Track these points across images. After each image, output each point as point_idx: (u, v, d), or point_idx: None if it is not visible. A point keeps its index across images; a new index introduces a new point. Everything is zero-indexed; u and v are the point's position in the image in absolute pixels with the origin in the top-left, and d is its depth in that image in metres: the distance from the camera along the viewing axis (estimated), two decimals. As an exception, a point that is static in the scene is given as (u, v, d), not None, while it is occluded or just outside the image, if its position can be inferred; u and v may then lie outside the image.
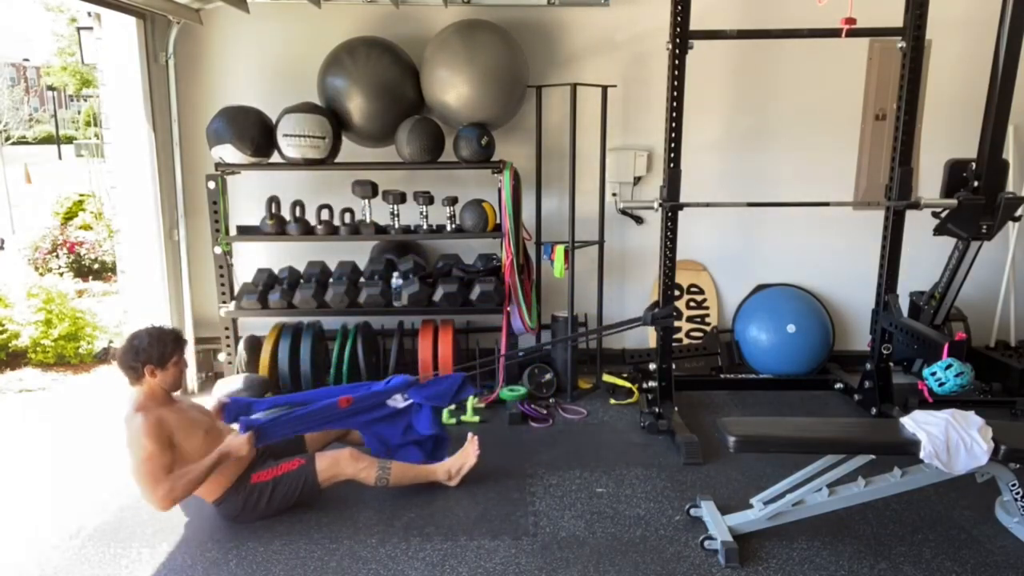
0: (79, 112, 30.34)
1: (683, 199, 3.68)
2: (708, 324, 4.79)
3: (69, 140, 26.86)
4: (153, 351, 2.76)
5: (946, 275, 4.01)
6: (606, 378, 4.35)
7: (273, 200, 4.14)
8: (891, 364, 3.96)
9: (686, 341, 4.78)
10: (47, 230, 7.82)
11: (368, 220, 4.18)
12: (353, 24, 4.33)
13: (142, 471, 2.65)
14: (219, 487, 2.84)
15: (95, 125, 22.48)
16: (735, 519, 2.78)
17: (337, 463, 2.97)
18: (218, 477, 2.81)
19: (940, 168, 3.83)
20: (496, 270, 4.27)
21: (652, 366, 3.93)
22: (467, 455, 3.21)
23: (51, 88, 31.22)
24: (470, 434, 3.28)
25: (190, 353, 4.38)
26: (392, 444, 3.25)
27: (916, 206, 3.69)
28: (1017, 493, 2.72)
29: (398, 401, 3.24)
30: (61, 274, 7.06)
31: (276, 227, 4.15)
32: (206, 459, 2.73)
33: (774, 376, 4.55)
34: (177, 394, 2.95)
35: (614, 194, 4.53)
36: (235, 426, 2.93)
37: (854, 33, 3.34)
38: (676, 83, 3.59)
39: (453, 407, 3.90)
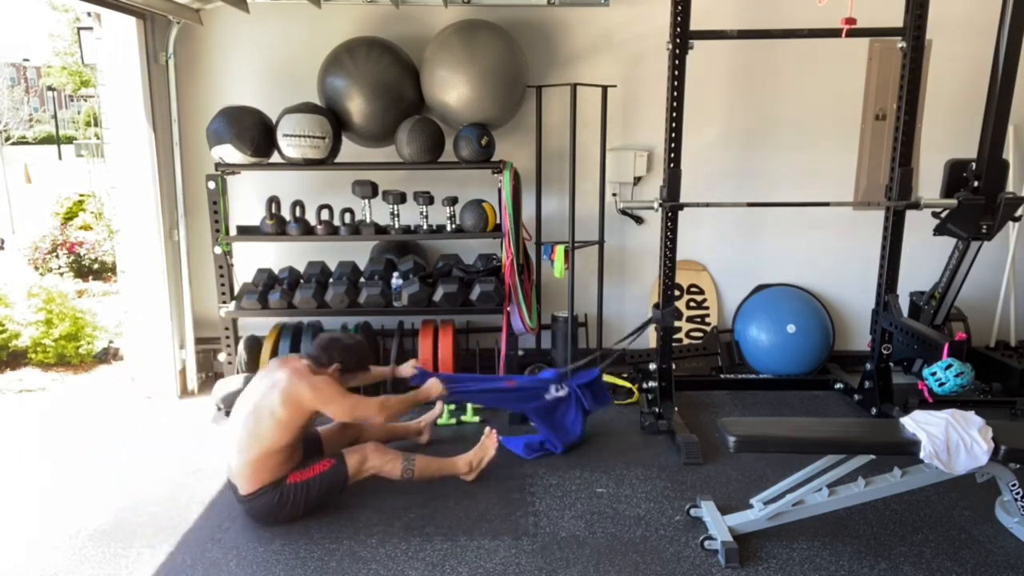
0: (79, 112, 30.34)
1: (683, 199, 3.68)
2: (708, 324, 4.79)
3: (69, 140, 26.86)
4: (352, 361, 3.01)
5: (946, 275, 4.01)
6: (606, 378, 4.33)
7: (273, 200, 4.14)
8: (891, 364, 3.96)
9: (686, 341, 4.78)
10: (47, 230, 7.82)
11: (368, 220, 4.18)
12: (353, 24, 4.33)
13: (349, 402, 2.92)
14: (260, 479, 2.83)
15: (95, 125, 22.49)
16: (735, 519, 2.78)
17: (365, 458, 3.02)
18: (262, 471, 2.82)
19: (940, 168, 3.83)
20: (496, 270, 4.27)
21: (652, 366, 3.93)
22: (486, 448, 3.27)
23: (51, 88, 31.20)
24: (488, 428, 3.34)
25: (190, 354, 4.39)
26: (563, 424, 3.56)
27: (916, 206, 3.69)
28: (1017, 493, 2.72)
29: (553, 392, 3.55)
30: (61, 274, 7.07)
31: (276, 227, 4.15)
32: (409, 394, 3.18)
33: (774, 376, 4.55)
34: None
35: (614, 194, 4.53)
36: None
37: (854, 33, 3.34)
38: (676, 83, 3.59)
39: (454, 407, 3.94)
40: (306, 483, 2.90)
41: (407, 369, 3.47)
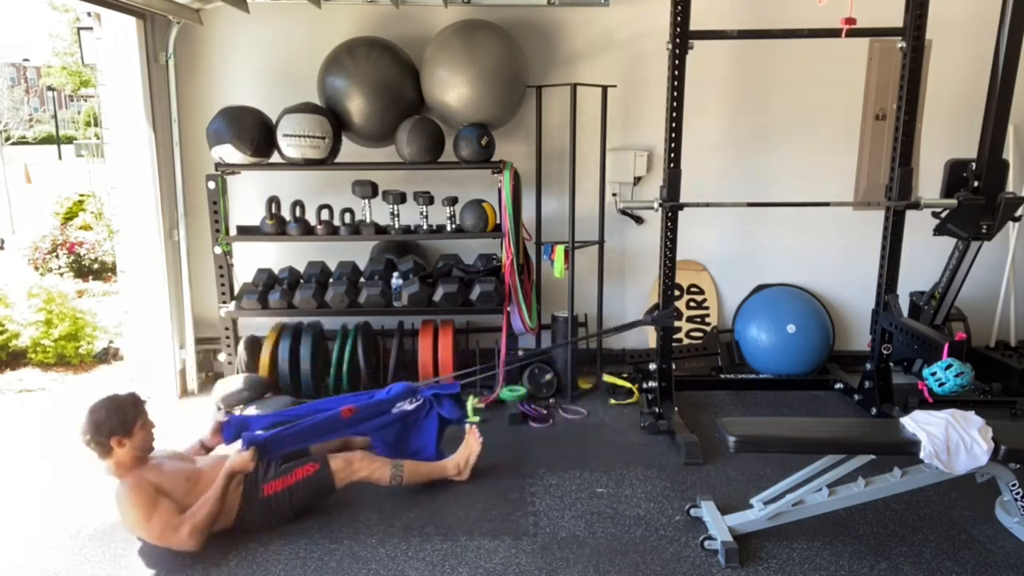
0: (79, 112, 30.34)
1: (683, 199, 3.68)
2: (708, 324, 4.79)
3: (69, 140, 26.86)
4: (114, 421, 2.66)
5: (946, 275, 4.01)
6: (606, 378, 4.35)
7: (273, 200, 4.14)
8: (891, 364, 3.96)
9: (686, 341, 4.78)
10: (47, 230, 7.82)
11: (368, 220, 4.18)
12: (353, 24, 4.33)
13: (155, 531, 2.62)
14: (230, 510, 2.79)
15: (95, 125, 22.48)
16: (735, 519, 2.78)
17: (351, 465, 2.97)
18: (215, 521, 2.75)
19: (940, 168, 3.83)
20: (496, 270, 4.27)
21: (652, 366, 3.93)
22: (471, 447, 3.23)
23: (51, 88, 31.21)
24: (467, 425, 3.31)
25: (190, 354, 4.39)
26: (407, 449, 3.22)
27: (916, 206, 3.68)
28: (1017, 493, 2.72)
29: (405, 405, 3.23)
30: (61, 274, 7.07)
31: (276, 227, 4.15)
32: (214, 485, 2.71)
33: (774, 376, 4.54)
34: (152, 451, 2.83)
35: (614, 194, 4.53)
36: (229, 448, 2.94)
37: (854, 33, 3.34)
38: (676, 83, 3.59)
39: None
40: (288, 489, 2.87)
41: (214, 433, 3.08)
